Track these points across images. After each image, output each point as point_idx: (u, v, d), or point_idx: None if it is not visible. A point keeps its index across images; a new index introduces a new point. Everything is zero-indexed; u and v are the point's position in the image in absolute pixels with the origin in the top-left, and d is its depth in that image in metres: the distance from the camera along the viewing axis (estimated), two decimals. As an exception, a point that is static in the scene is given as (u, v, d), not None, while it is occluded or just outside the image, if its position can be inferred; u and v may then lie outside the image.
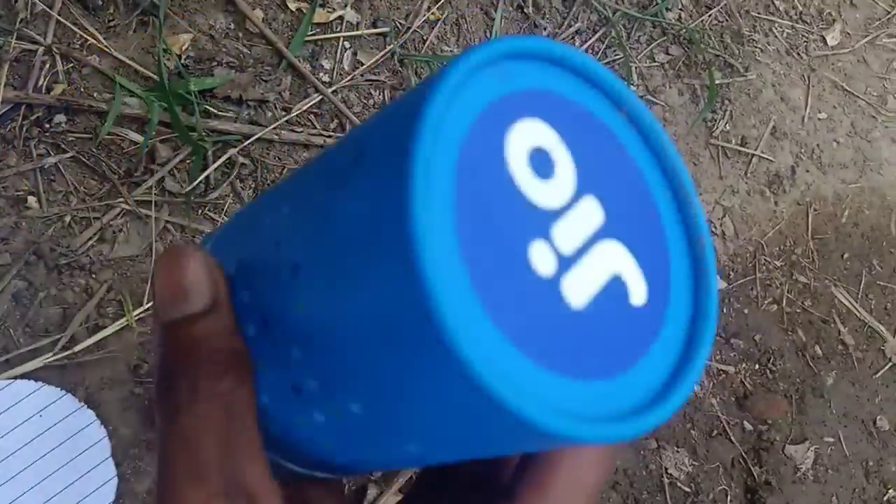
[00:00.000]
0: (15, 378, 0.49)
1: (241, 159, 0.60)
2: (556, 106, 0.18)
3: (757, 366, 0.74)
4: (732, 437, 0.71)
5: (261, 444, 0.20)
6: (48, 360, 0.51)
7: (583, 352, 0.16)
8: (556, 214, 0.17)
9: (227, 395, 0.19)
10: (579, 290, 0.16)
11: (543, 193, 0.16)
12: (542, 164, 0.17)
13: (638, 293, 0.17)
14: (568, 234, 0.17)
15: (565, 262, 0.16)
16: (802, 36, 0.90)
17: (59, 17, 0.57)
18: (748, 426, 0.72)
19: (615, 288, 0.17)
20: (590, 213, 0.17)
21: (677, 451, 0.69)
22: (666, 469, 0.68)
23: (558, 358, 0.16)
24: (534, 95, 0.17)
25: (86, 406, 0.50)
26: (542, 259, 0.16)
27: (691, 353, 0.17)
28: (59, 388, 0.50)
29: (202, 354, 0.20)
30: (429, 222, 0.14)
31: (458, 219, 0.15)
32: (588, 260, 0.17)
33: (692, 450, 0.70)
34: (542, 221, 0.16)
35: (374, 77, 0.67)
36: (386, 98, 0.67)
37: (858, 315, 0.80)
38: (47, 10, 0.57)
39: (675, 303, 0.18)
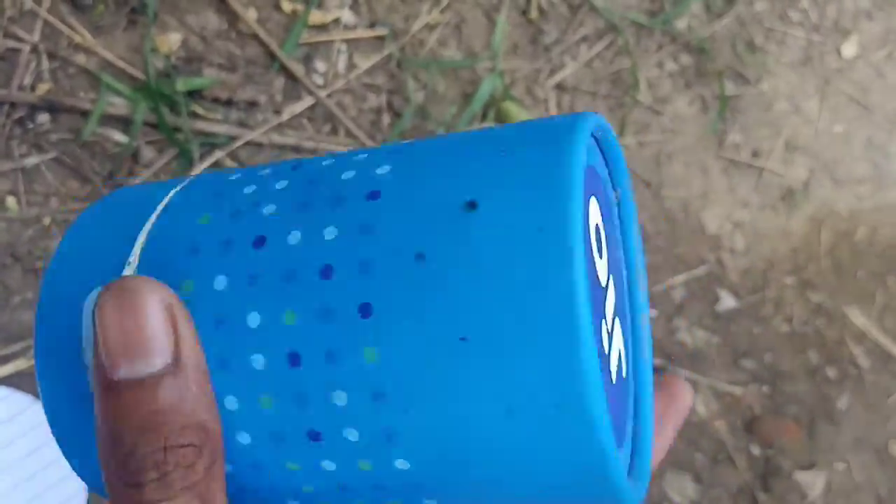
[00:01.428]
0: (-19, 385, 0.47)
1: (228, 162, 0.58)
2: (597, 182, 0.17)
3: (766, 388, 0.71)
4: (739, 463, 0.68)
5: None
6: (21, 367, 0.49)
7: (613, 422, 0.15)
8: (604, 292, 0.16)
9: (204, 485, 0.15)
10: (613, 364, 0.16)
11: (600, 272, 0.16)
12: (598, 242, 0.16)
13: (625, 368, 0.17)
14: (609, 312, 0.16)
15: (609, 339, 0.16)
16: (817, 47, 0.88)
17: (47, 16, 0.56)
18: (755, 451, 0.69)
19: (620, 363, 0.17)
20: (612, 292, 0.17)
21: (680, 476, 0.66)
22: (668, 495, 0.65)
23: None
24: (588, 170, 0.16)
25: (56, 415, 0.48)
26: (604, 336, 0.16)
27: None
28: (30, 396, 0.48)
29: (167, 434, 0.15)
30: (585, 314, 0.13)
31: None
32: (615, 338, 0.17)
33: (696, 475, 0.67)
34: (601, 299, 0.16)
35: (370, 81, 0.65)
36: (383, 103, 0.65)
37: (872, 336, 0.76)
38: (35, 7, 0.56)
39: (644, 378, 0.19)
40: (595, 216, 0.16)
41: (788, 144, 0.81)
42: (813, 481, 0.69)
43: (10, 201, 0.52)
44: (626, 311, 0.19)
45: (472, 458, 0.14)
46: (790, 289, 0.76)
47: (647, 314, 0.20)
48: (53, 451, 0.48)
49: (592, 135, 0.17)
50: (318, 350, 0.14)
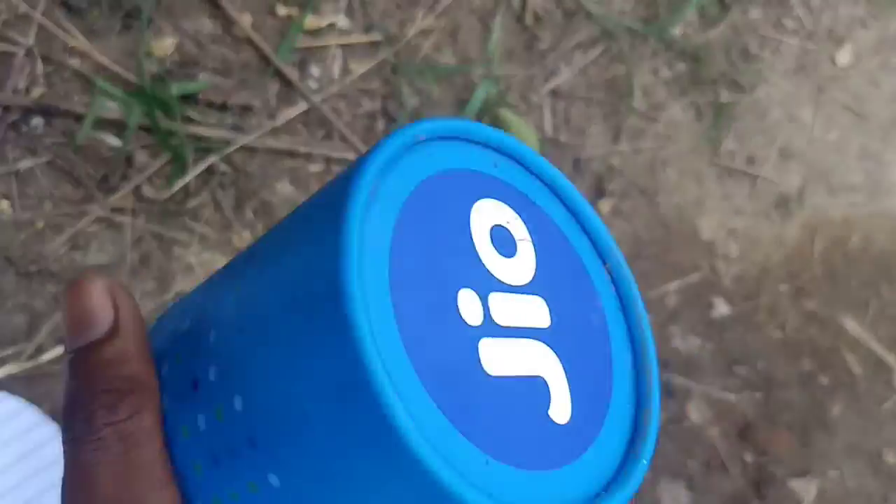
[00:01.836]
0: (-28, 388, 0.47)
1: (222, 167, 0.58)
2: (497, 186, 0.19)
3: (759, 395, 0.71)
4: (732, 470, 0.68)
5: (168, 473, 0.19)
6: (13, 370, 0.49)
7: (507, 433, 0.16)
8: (500, 285, 0.17)
9: (124, 425, 0.18)
10: (499, 358, 0.17)
11: (504, 269, 0.17)
12: (503, 242, 0.18)
13: (562, 408, 0.17)
14: (505, 307, 0.17)
15: (492, 325, 0.17)
16: (812, 55, 0.88)
17: (42, 19, 0.56)
18: (749, 458, 0.69)
19: (539, 388, 0.17)
20: (535, 310, 0.18)
21: (673, 484, 0.66)
22: (661, 501, 0.65)
23: (483, 430, 0.16)
24: (464, 176, 0.18)
25: (50, 419, 0.48)
26: (469, 305, 0.16)
27: (623, 470, 0.18)
28: (23, 399, 0.47)
29: (98, 383, 0.19)
30: (359, 276, 0.15)
31: (392, 271, 0.16)
32: (517, 344, 0.17)
33: (689, 482, 0.67)
34: (481, 279, 0.17)
35: (364, 86, 0.65)
36: (377, 108, 0.65)
37: (866, 344, 0.76)
38: (30, 11, 0.56)
39: (611, 422, 0.18)
40: (489, 218, 0.18)
41: (783, 152, 0.81)
42: (806, 488, 0.69)
43: (4, 204, 0.52)
44: (593, 349, 0.19)
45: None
46: (784, 296, 0.76)
47: (650, 347, 0.20)
48: (46, 454, 0.48)
49: (494, 145, 0.19)
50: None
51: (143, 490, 0.19)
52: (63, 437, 0.19)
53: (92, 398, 0.19)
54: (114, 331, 0.19)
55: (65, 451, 0.19)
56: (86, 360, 0.19)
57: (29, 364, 0.50)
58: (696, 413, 0.68)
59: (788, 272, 0.77)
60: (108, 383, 0.19)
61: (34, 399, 0.49)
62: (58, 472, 0.51)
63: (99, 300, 0.19)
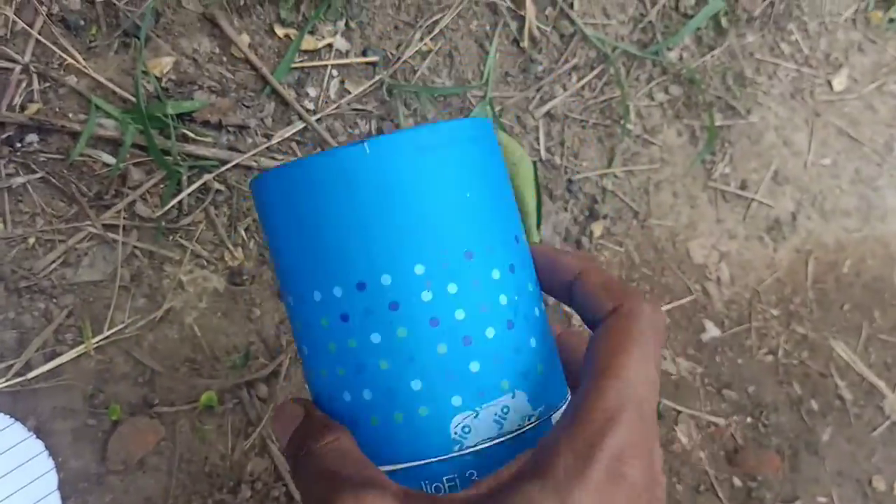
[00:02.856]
0: (-41, 405, 0.47)
1: (216, 185, 0.58)
2: None
3: (749, 419, 0.71)
4: (721, 494, 0.68)
5: (373, 465, 0.28)
6: (0, 386, 0.49)
7: None
8: None
9: (333, 444, 0.28)
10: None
11: None
12: None
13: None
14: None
15: None
16: (808, 80, 0.88)
17: (39, 37, 0.57)
18: (738, 482, 0.69)
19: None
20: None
21: (661, 507, 0.66)
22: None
23: None
24: None
25: (35, 436, 0.48)
26: None
27: None
28: (8, 416, 0.48)
29: (299, 434, 0.30)
30: None
31: None
32: None
33: (677, 506, 0.67)
34: None
35: (360, 106, 0.65)
36: (372, 128, 0.65)
37: (857, 369, 0.76)
38: (27, 28, 0.56)
39: None
40: None
41: (777, 176, 0.82)
42: (794, 515, 0.69)
43: (-3, 220, 0.53)
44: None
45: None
46: (775, 320, 0.76)
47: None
48: (32, 471, 0.48)
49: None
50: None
51: (352, 470, 0.28)
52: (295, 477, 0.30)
53: (298, 443, 0.30)
54: (308, 414, 0.31)
55: (296, 481, 0.30)
56: (296, 432, 0.31)
57: (16, 381, 0.50)
58: (684, 437, 0.68)
59: (780, 296, 0.77)
60: (309, 429, 0.30)
61: (20, 415, 0.49)
62: (43, 488, 0.50)
63: (296, 407, 0.32)
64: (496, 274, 0.30)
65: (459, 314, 0.29)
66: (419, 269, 0.29)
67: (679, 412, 0.69)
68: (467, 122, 0.30)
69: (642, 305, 0.28)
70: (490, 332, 0.29)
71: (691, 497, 0.67)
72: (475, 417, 0.29)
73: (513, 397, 0.29)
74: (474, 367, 0.29)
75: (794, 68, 0.88)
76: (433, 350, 0.29)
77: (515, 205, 0.33)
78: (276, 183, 0.31)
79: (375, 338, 0.29)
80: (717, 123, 0.80)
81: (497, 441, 0.29)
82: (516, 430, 0.29)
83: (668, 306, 0.72)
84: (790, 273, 0.79)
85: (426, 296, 0.29)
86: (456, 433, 0.29)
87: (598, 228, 0.72)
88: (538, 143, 0.72)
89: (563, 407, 0.31)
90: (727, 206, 0.78)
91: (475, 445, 0.29)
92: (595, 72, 0.76)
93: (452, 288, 0.29)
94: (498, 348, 0.29)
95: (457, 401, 0.29)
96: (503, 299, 0.30)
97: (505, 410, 0.29)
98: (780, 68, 0.87)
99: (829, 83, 0.89)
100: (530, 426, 0.29)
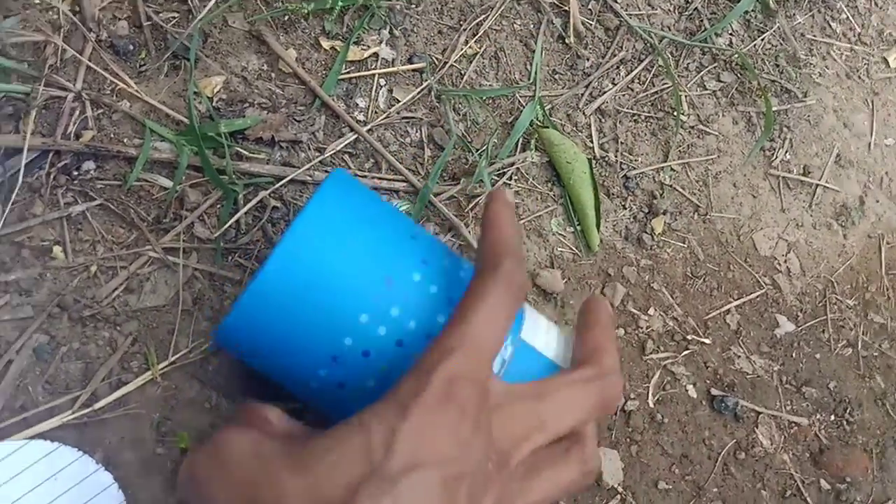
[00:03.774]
0: (30, 438, 0.46)
1: (272, 202, 0.57)
2: None
3: (832, 417, 0.68)
4: (808, 498, 0.64)
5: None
6: (67, 419, 0.48)
7: None
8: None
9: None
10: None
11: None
12: None
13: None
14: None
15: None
16: (863, 58, 0.85)
17: (90, 63, 0.56)
18: (825, 485, 0.65)
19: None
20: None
21: (747, 512, 0.63)
22: (735, 532, 0.62)
23: None
24: None
25: (104, 468, 0.47)
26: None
27: None
28: (76, 449, 0.47)
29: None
30: None
31: None
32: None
33: (763, 510, 0.64)
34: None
35: (410, 114, 0.64)
36: (423, 135, 0.64)
37: (943, 358, 0.73)
38: (77, 55, 0.56)
39: None
40: None
41: (840, 159, 0.78)
42: (889, 515, 0.65)
43: (57, 250, 0.52)
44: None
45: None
46: (851, 310, 0.73)
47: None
48: (104, 503, 0.47)
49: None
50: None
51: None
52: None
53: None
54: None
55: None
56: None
57: (82, 412, 0.49)
58: (766, 439, 0.65)
59: (854, 285, 0.74)
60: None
61: (88, 447, 0.48)
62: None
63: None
64: (416, 276, 0.37)
65: (412, 324, 0.36)
66: (364, 318, 0.36)
67: (759, 413, 0.66)
68: (324, 188, 0.39)
69: (504, 265, 0.34)
70: (441, 318, 0.37)
71: (778, 502, 0.64)
72: None
73: None
74: None
75: (847, 47, 0.85)
76: (411, 360, 0.34)
77: (392, 213, 0.41)
78: (236, 325, 0.37)
79: (370, 383, 0.36)
80: (774, 108, 0.77)
81: None
82: (503, 366, 0.38)
83: (737, 302, 0.70)
84: (863, 260, 0.75)
85: (381, 330, 0.36)
86: None
87: (658, 225, 0.69)
88: (591, 141, 0.70)
89: (528, 319, 0.42)
90: (791, 194, 0.75)
91: None
92: (643, 64, 0.74)
93: (395, 311, 0.36)
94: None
95: None
96: (433, 288, 0.37)
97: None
98: (832, 48, 0.84)
99: (885, 60, 0.86)
100: (511, 356, 0.38)
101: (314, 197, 0.39)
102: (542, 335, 0.40)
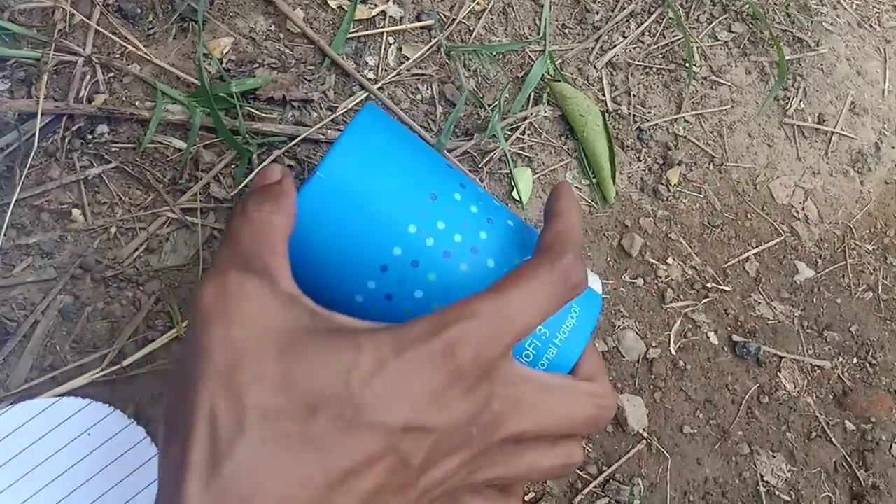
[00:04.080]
0: (62, 395, 0.47)
1: (286, 161, 0.57)
2: None
3: (855, 359, 0.68)
4: (834, 439, 0.64)
5: (282, 250, 0.32)
6: (96, 376, 0.48)
7: None
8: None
9: (266, 213, 0.33)
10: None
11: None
12: None
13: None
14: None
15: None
16: (873, 7, 0.84)
17: (98, 28, 0.56)
18: (850, 426, 0.65)
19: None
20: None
21: (773, 457, 0.63)
22: (762, 476, 0.62)
23: None
24: None
25: (135, 423, 0.47)
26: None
27: None
28: (107, 405, 0.47)
29: (257, 192, 0.34)
30: None
31: None
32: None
33: (789, 454, 0.63)
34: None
35: (420, 71, 0.64)
36: (434, 92, 0.64)
37: (966, 298, 0.72)
38: (86, 20, 0.56)
39: None
40: None
41: (854, 107, 0.78)
42: (916, 454, 0.65)
43: (76, 213, 0.52)
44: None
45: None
46: (870, 255, 0.72)
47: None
48: (135, 458, 0.47)
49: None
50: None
51: (263, 248, 0.31)
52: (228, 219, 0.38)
53: (250, 196, 0.34)
54: (279, 181, 0.35)
55: (226, 225, 0.38)
56: (257, 188, 0.34)
57: (111, 370, 0.49)
58: (789, 383, 0.65)
59: (873, 230, 0.73)
60: (263, 192, 0.34)
61: (118, 403, 0.48)
62: (148, 475, 0.50)
63: (275, 171, 0.36)
64: (457, 196, 0.38)
65: (457, 237, 0.37)
66: (412, 228, 0.36)
67: (781, 358, 0.66)
68: (363, 114, 0.39)
69: (566, 258, 0.33)
70: (483, 235, 0.38)
71: (803, 444, 0.64)
72: None
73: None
74: (490, 263, 0.38)
75: (858, -4, 0.84)
76: (458, 272, 0.36)
77: (425, 144, 0.42)
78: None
79: (419, 293, 0.37)
80: (787, 57, 0.76)
81: None
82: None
83: (756, 250, 0.69)
84: (880, 205, 0.75)
85: (429, 241, 0.37)
86: None
87: (674, 176, 0.69)
88: (603, 94, 0.69)
89: None
90: (806, 143, 0.75)
91: None
92: (653, 16, 0.73)
93: (441, 224, 0.37)
94: (494, 241, 0.38)
95: None
96: (473, 208, 0.39)
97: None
98: (843, -3, 0.83)
99: (897, 8, 0.85)
100: None
101: (360, 113, 0.39)
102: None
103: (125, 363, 0.49)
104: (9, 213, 0.49)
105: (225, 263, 0.30)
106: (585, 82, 0.69)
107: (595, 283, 0.41)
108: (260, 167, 0.48)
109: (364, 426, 0.27)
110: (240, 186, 0.55)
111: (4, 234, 0.49)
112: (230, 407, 0.27)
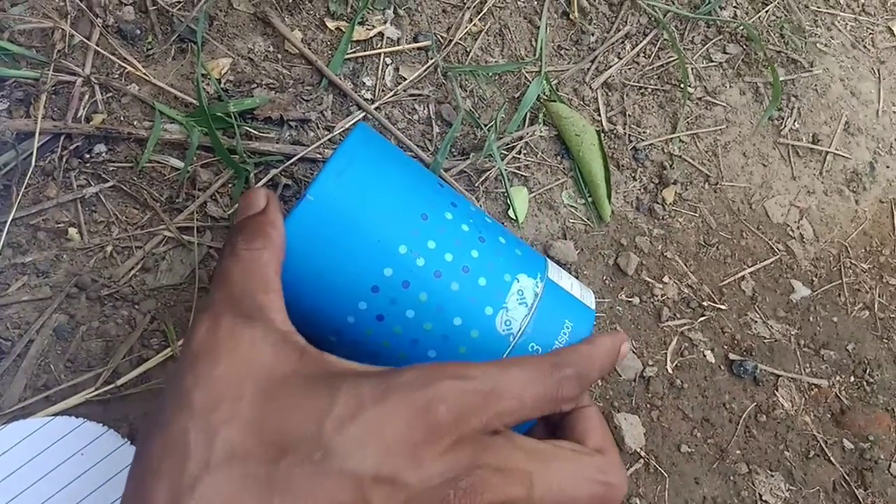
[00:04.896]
0: (55, 415, 0.46)
1: (283, 180, 0.57)
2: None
3: (852, 378, 0.68)
4: (832, 458, 0.64)
5: (275, 284, 0.33)
6: (90, 396, 0.48)
7: None
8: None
9: (255, 251, 0.33)
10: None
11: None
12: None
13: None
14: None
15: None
16: (867, 28, 0.85)
17: (98, 48, 0.57)
18: (848, 444, 0.65)
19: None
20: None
21: (771, 476, 0.63)
22: (760, 496, 0.62)
23: None
24: None
25: (129, 442, 0.47)
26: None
27: None
28: (101, 424, 0.47)
29: (244, 227, 0.34)
30: None
31: None
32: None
33: (788, 473, 0.63)
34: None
35: (417, 91, 0.64)
36: (431, 112, 0.64)
37: (962, 317, 0.72)
38: (85, 41, 0.56)
39: None
40: None
41: (848, 127, 0.78)
42: (915, 473, 0.65)
43: (73, 232, 0.52)
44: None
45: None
46: (866, 273, 0.72)
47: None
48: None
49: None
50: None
51: (255, 286, 0.31)
52: (219, 258, 0.38)
53: (238, 233, 0.33)
54: (263, 211, 0.35)
55: (217, 266, 0.36)
56: (243, 221, 0.34)
57: (105, 389, 0.49)
58: (787, 402, 0.65)
59: (868, 249, 0.74)
60: (250, 228, 0.33)
61: (112, 423, 0.48)
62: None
63: (259, 197, 0.36)
64: (448, 215, 0.39)
65: (448, 257, 0.37)
66: (403, 249, 0.37)
67: (778, 376, 0.66)
68: (354, 135, 0.40)
69: (569, 371, 0.33)
70: (475, 253, 0.38)
71: (801, 463, 0.63)
72: (507, 311, 0.38)
73: (518, 281, 0.39)
74: (482, 281, 0.38)
75: (851, 17, 0.84)
76: (449, 291, 0.37)
77: (417, 164, 0.42)
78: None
79: (410, 313, 0.37)
80: (781, 78, 0.77)
81: (531, 314, 0.38)
82: (535, 299, 0.39)
83: (752, 269, 0.69)
84: (876, 225, 0.75)
85: (420, 261, 0.37)
86: (503, 331, 0.38)
87: (669, 195, 0.69)
88: (599, 114, 0.70)
89: (551, 266, 0.43)
90: (801, 162, 0.75)
91: (521, 329, 0.38)
92: (648, 38, 0.74)
93: (431, 244, 0.37)
94: (486, 259, 0.38)
95: (489, 310, 0.37)
96: (465, 227, 0.39)
97: (521, 293, 0.38)
98: (837, 18, 0.84)
99: (890, 29, 0.86)
100: (542, 290, 0.40)
101: (351, 134, 0.40)
102: (566, 280, 0.42)
103: (119, 382, 0.49)
104: (5, 231, 0.49)
105: (218, 305, 0.30)
106: (581, 102, 0.70)
107: (588, 298, 0.42)
108: (243, 193, 0.48)
109: (333, 472, 0.26)
110: (237, 205, 0.55)
111: (0, 253, 0.49)
112: (200, 445, 0.26)
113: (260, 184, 0.56)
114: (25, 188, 0.51)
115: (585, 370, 0.34)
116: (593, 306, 0.41)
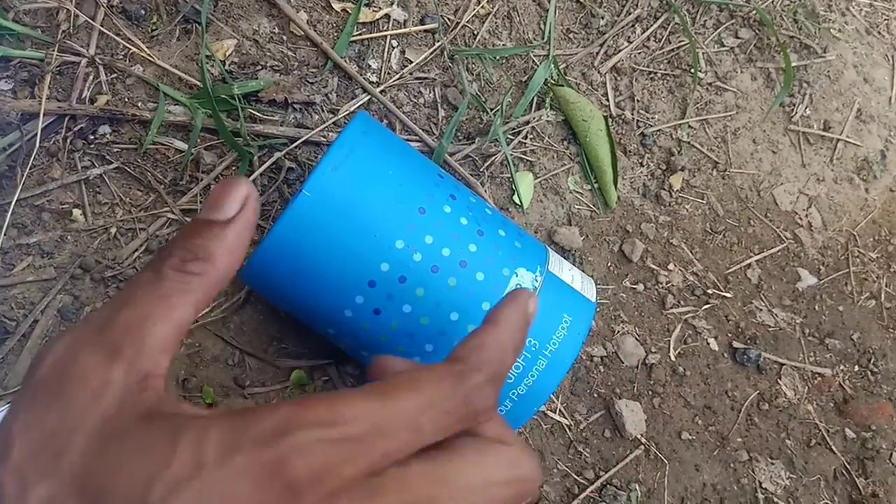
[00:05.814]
0: (59, 394, 0.47)
1: (287, 163, 0.57)
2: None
3: (856, 367, 0.67)
4: (833, 447, 0.64)
5: (183, 314, 0.25)
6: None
7: None
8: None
9: (185, 276, 0.25)
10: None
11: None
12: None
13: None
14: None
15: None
16: (882, 14, 0.83)
17: (102, 29, 0.56)
18: (850, 433, 0.65)
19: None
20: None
21: (772, 464, 0.63)
22: (760, 483, 0.62)
23: None
24: None
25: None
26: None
27: None
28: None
29: (187, 237, 0.26)
30: None
31: None
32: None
33: (789, 461, 0.63)
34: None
35: (423, 75, 0.64)
36: (436, 96, 0.64)
37: (970, 308, 0.72)
38: (90, 21, 0.56)
39: None
40: None
41: (860, 114, 0.77)
42: (917, 464, 0.65)
43: (77, 213, 0.53)
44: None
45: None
46: (874, 263, 0.72)
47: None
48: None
49: None
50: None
51: (149, 318, 0.25)
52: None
53: (177, 242, 0.26)
54: (229, 221, 0.26)
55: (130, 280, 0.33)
56: (196, 226, 0.26)
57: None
58: (790, 390, 0.65)
59: (877, 238, 0.73)
60: (196, 243, 0.26)
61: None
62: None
63: (235, 200, 0.27)
64: (447, 209, 0.38)
65: (445, 252, 0.37)
66: (399, 244, 0.36)
67: (782, 365, 0.66)
68: (352, 126, 0.39)
69: (474, 379, 0.26)
70: (473, 248, 0.38)
71: (802, 451, 0.63)
72: None
73: (517, 275, 0.38)
74: (479, 276, 0.37)
75: (866, 3, 0.83)
76: (446, 287, 0.37)
77: (418, 154, 0.42)
78: (275, 249, 0.38)
79: (407, 308, 0.37)
80: (793, 64, 0.75)
81: None
82: (534, 293, 0.38)
83: (758, 257, 0.69)
84: (885, 213, 0.74)
85: (417, 257, 0.37)
86: None
87: (676, 181, 0.69)
88: (607, 99, 0.69)
89: (552, 257, 0.43)
90: (811, 149, 0.74)
91: None
92: (659, 21, 0.73)
93: (429, 239, 0.37)
94: (484, 253, 0.38)
95: (486, 305, 0.37)
96: (463, 220, 0.38)
97: (519, 287, 0.36)
98: (852, 4, 0.82)
99: (906, 15, 0.84)
100: (541, 284, 0.39)
101: (349, 125, 0.39)
102: (567, 271, 0.41)
103: (123, 363, 0.49)
104: (9, 212, 0.50)
105: (82, 332, 0.25)
106: (589, 87, 0.69)
107: (589, 290, 0.41)
108: (220, 181, 0.47)
109: None
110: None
111: (5, 234, 0.49)
112: (14, 499, 0.23)
113: (264, 167, 0.56)
114: (30, 169, 0.51)
115: (499, 366, 0.28)
116: (594, 298, 0.41)
